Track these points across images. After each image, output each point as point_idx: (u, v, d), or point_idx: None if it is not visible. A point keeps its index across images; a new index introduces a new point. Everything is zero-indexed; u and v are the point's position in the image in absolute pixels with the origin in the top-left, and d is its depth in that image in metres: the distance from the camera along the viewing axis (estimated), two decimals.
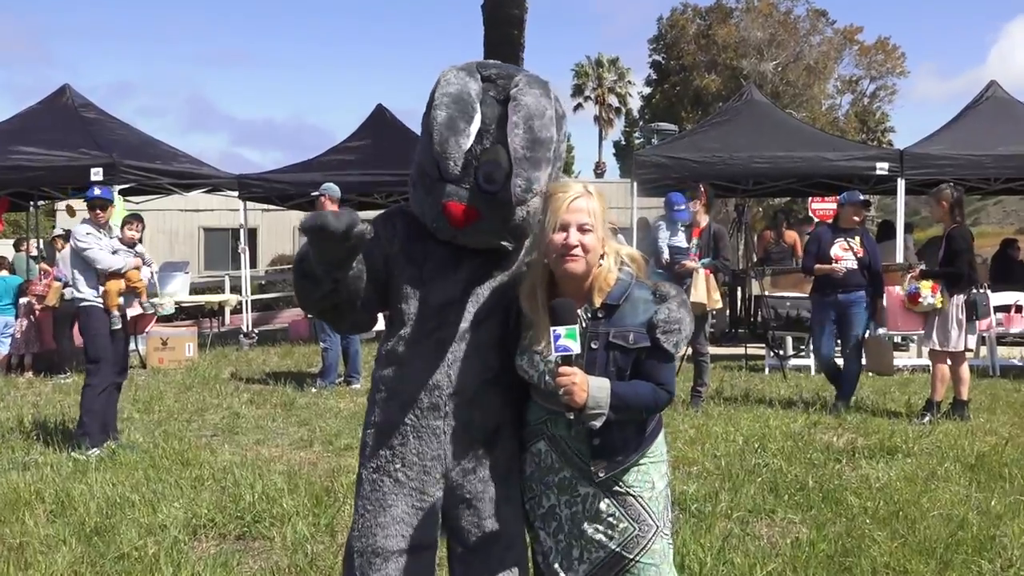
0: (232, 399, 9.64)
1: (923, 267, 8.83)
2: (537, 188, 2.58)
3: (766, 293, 12.32)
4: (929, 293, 8.17)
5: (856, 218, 8.85)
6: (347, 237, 2.37)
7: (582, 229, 2.63)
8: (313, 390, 10.08)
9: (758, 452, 6.87)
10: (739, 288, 15.35)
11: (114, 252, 7.44)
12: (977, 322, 8.40)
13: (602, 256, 2.69)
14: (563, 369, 2.50)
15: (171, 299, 8.02)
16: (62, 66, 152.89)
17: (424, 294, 2.76)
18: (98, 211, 7.44)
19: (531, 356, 2.69)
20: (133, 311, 8.01)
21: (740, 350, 12.55)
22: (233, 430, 8.10)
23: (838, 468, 6.45)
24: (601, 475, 2.68)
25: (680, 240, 8.87)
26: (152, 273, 7.55)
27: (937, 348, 8.31)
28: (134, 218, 7.91)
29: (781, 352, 11.86)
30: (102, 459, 6.81)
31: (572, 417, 2.57)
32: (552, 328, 2.52)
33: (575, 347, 2.50)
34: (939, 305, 8.20)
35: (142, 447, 7.26)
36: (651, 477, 2.77)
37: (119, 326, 7.44)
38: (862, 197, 9.04)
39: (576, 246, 2.62)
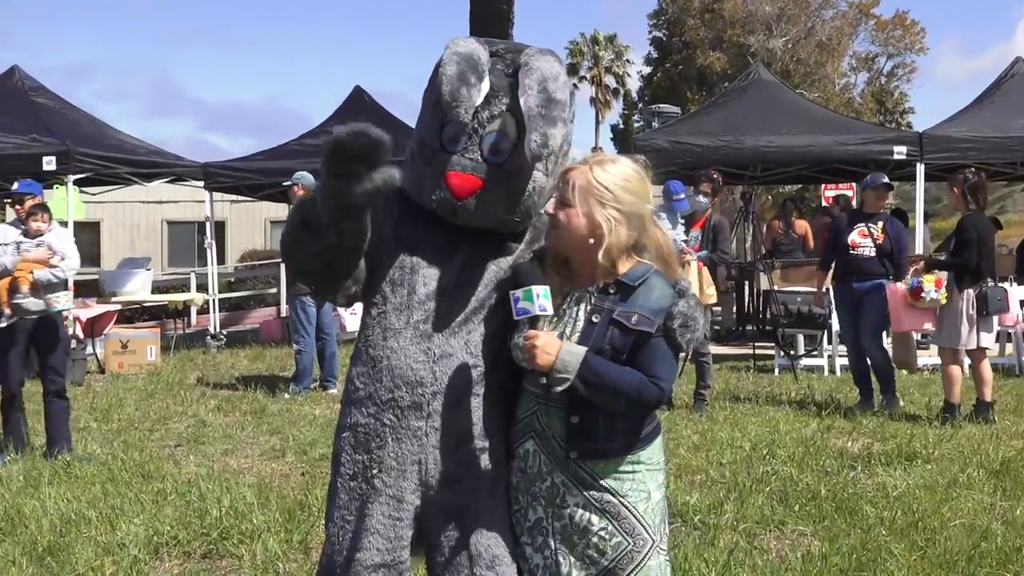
0: (198, 406, 9.61)
1: (924, 258, 8.84)
2: (553, 144, 2.61)
3: (775, 288, 12.33)
4: (932, 288, 8.13)
5: (880, 202, 8.93)
6: (373, 165, 2.44)
7: (563, 203, 2.68)
8: (286, 396, 10.06)
9: (766, 459, 6.88)
10: (746, 283, 15.37)
11: (17, 246, 7.42)
12: (994, 318, 8.38)
13: (605, 235, 2.66)
14: (528, 332, 2.57)
15: (67, 295, 7.92)
16: (12, 46, 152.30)
17: (413, 282, 2.76)
18: (18, 206, 7.50)
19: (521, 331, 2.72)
20: (89, 312, 7.97)
21: (748, 349, 12.57)
22: (199, 440, 8.07)
23: (853, 476, 6.46)
24: (573, 455, 2.68)
25: (678, 232, 8.90)
26: (59, 266, 7.48)
27: (945, 346, 8.35)
28: (40, 208, 7.81)
29: (792, 351, 11.87)
30: (56, 472, 6.78)
31: (543, 382, 2.60)
32: (511, 292, 2.60)
33: (534, 309, 2.57)
34: (943, 301, 8.18)
35: (99, 459, 7.23)
36: (647, 486, 2.76)
37: (3, 324, 7.38)
38: (885, 180, 9.10)
39: (552, 217, 2.70)
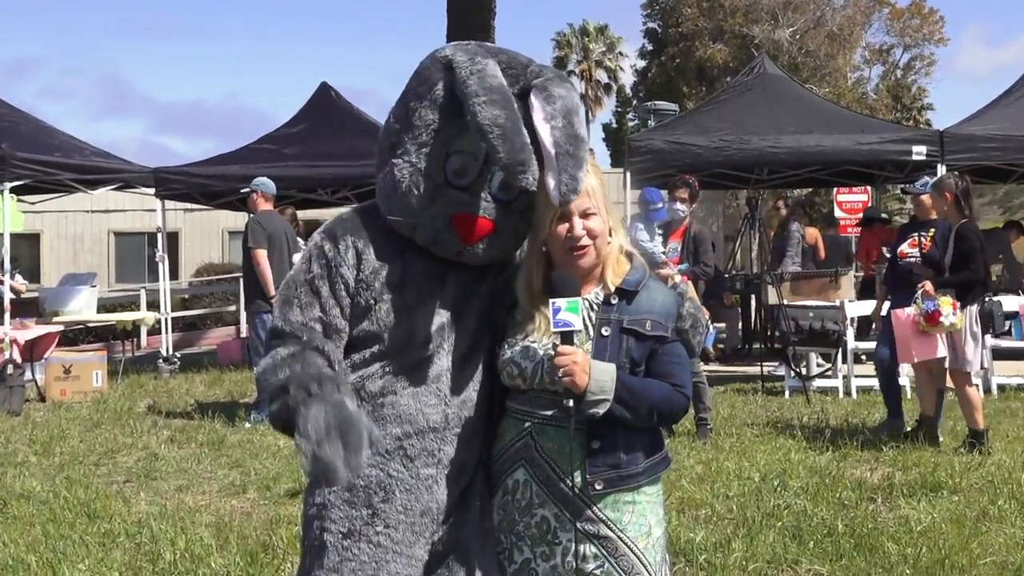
0: (149, 437, 9.56)
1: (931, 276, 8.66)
2: (580, 188, 2.60)
3: (784, 302, 12.37)
4: (950, 311, 7.99)
5: (932, 209, 8.91)
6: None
7: (585, 214, 2.70)
8: (247, 425, 10.02)
9: (777, 491, 6.88)
10: (753, 296, 15.41)
11: None
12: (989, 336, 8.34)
13: (611, 233, 2.76)
14: (562, 348, 2.57)
15: None
16: None
17: (412, 320, 2.72)
18: None
19: (527, 346, 2.71)
20: (28, 334, 7.94)
21: (755, 369, 12.59)
22: (150, 475, 8.02)
23: (872, 509, 6.47)
24: (598, 487, 2.68)
25: (656, 244, 8.91)
26: None
27: (955, 369, 8.27)
28: None
29: (803, 371, 11.90)
30: None
31: (571, 404, 2.58)
32: (552, 300, 2.59)
33: (576, 321, 2.58)
34: (960, 325, 8.07)
35: (39, 497, 7.18)
36: (647, 520, 2.76)
37: None
38: (920, 184, 9.14)
39: (582, 235, 2.70)
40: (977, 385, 8.51)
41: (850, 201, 20.27)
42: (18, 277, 16.54)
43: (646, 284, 2.78)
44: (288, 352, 2.62)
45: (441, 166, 2.66)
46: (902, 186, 9.25)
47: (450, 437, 2.73)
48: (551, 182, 2.57)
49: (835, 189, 20.53)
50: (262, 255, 10.28)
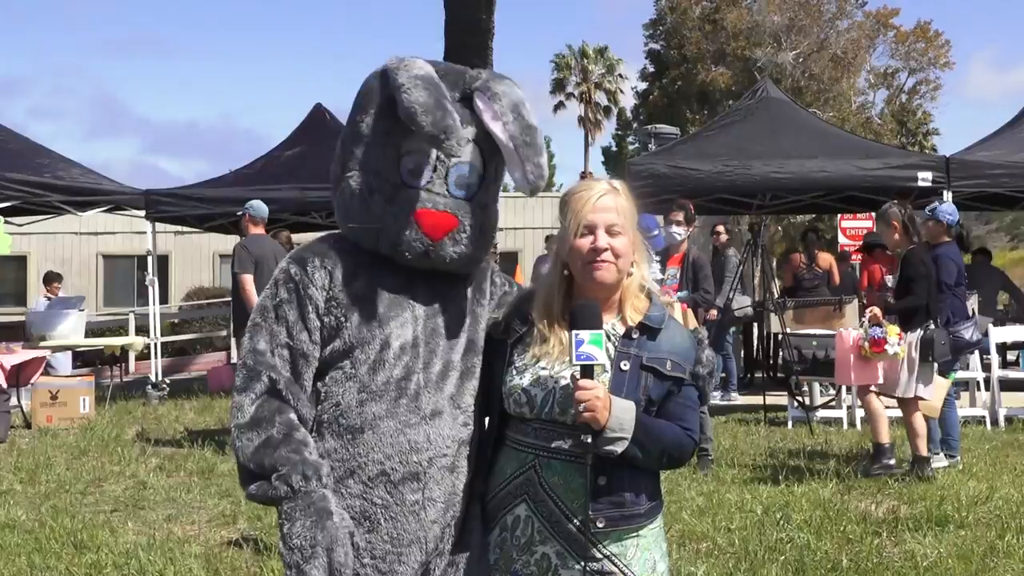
0: (137, 465, 9.54)
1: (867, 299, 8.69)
2: (545, 174, 2.73)
3: (788, 330, 12.38)
4: (896, 340, 8.04)
5: (936, 234, 8.99)
6: None
7: (611, 231, 2.70)
8: None
9: (780, 524, 6.87)
10: (755, 324, 15.41)
11: None
12: (935, 364, 8.33)
13: (633, 264, 2.76)
14: (584, 381, 2.55)
15: None
16: None
17: (384, 335, 2.73)
18: None
19: (539, 374, 2.70)
20: (14, 358, 7.94)
21: (757, 399, 12.58)
22: (138, 504, 8.01)
23: (877, 543, 6.46)
24: (600, 525, 2.66)
25: (655, 271, 8.89)
26: None
27: (887, 393, 8.36)
28: None
29: (807, 401, 11.90)
30: None
31: (588, 440, 2.56)
32: (574, 332, 2.56)
33: (599, 355, 2.56)
34: (902, 355, 8.14)
35: (25, 526, 7.17)
36: (651, 555, 2.75)
37: None
38: (928, 210, 9.20)
39: (605, 250, 2.68)
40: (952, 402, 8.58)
41: (854, 228, 20.33)
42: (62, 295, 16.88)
43: (667, 323, 2.77)
44: (263, 419, 2.64)
45: (396, 168, 2.73)
46: (926, 211, 9.27)
47: (435, 460, 2.71)
48: (517, 175, 2.72)
49: (839, 215, 20.59)
50: (248, 280, 10.29)
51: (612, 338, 2.72)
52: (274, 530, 6.83)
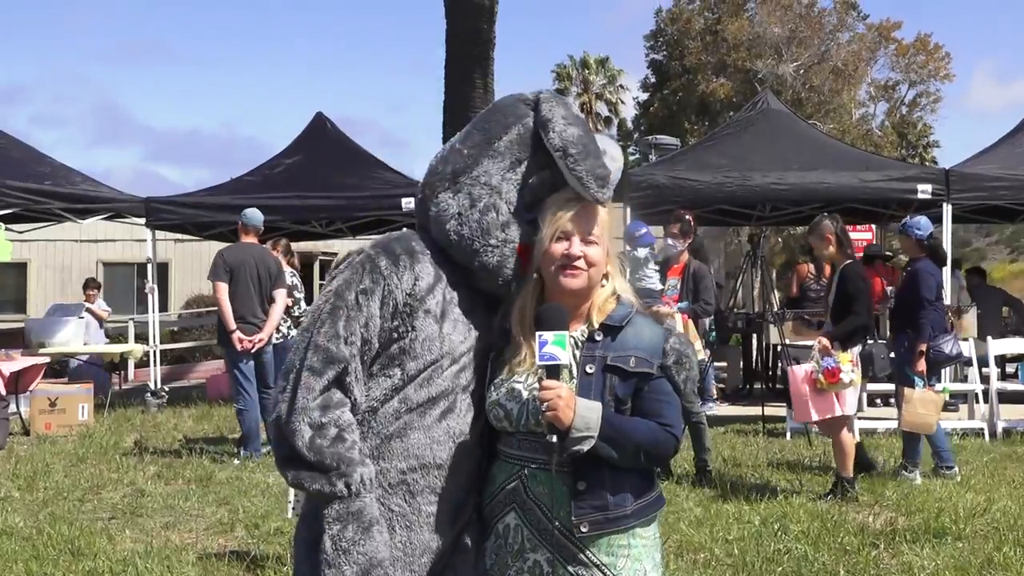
0: (135, 473, 9.54)
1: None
2: (604, 177, 2.75)
3: (787, 342, 12.37)
4: (850, 368, 7.82)
5: (915, 248, 9.02)
6: None
7: (586, 240, 2.72)
8: (235, 461, 10.01)
9: (778, 535, 6.87)
10: (754, 335, 15.41)
11: None
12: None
13: (605, 276, 2.79)
14: (547, 382, 2.57)
15: None
16: None
17: (440, 354, 2.74)
18: None
19: (512, 387, 2.71)
20: (13, 365, 7.94)
21: (756, 410, 12.57)
22: (136, 511, 8.02)
23: (875, 555, 6.47)
24: (584, 530, 2.66)
25: (654, 281, 8.87)
26: None
27: (832, 414, 8.02)
28: None
29: None
30: None
31: (555, 440, 2.57)
32: (538, 333, 2.59)
33: (563, 356, 2.58)
34: (858, 382, 7.98)
35: (22, 533, 7.17)
36: (643, 565, 2.76)
37: None
38: (903, 224, 9.20)
39: (579, 257, 2.71)
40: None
41: (854, 239, 20.30)
42: (100, 302, 16.87)
43: (632, 320, 2.77)
44: (329, 408, 2.62)
45: (520, 195, 2.78)
46: (898, 226, 9.26)
47: (453, 475, 2.74)
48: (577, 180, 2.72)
49: None
50: (220, 288, 10.27)
51: (580, 344, 2.75)
52: (271, 539, 6.86)
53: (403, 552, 2.70)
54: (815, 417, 8.04)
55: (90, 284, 18.14)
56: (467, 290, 2.81)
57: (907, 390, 8.70)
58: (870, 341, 8.27)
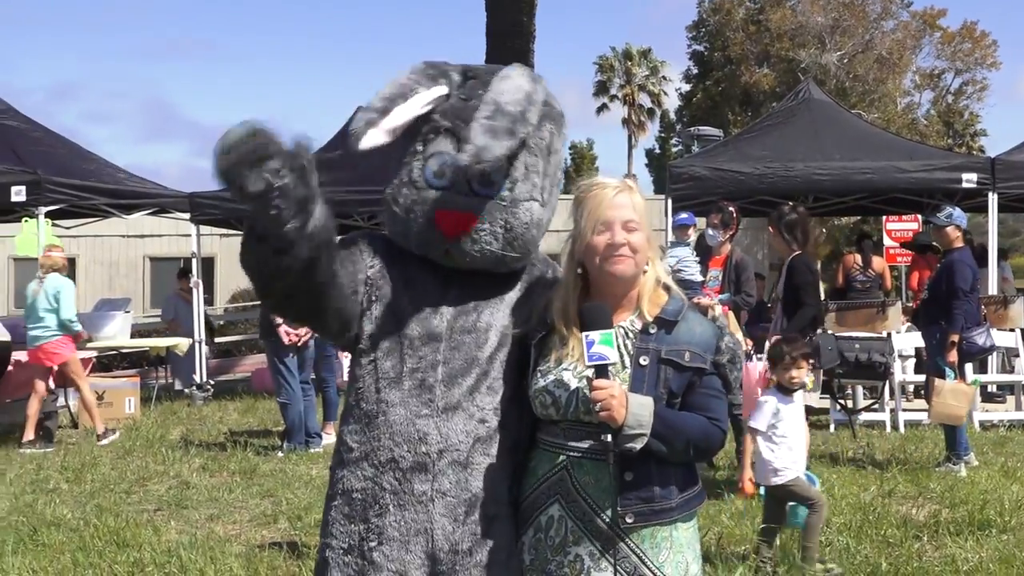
0: (181, 465, 9.64)
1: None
2: (489, 156, 2.64)
3: (830, 332, 12.27)
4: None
5: (952, 239, 8.93)
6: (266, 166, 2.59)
7: (627, 227, 2.71)
8: (279, 454, 10.08)
9: (821, 528, 6.82)
10: None
11: None
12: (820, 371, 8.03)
13: (648, 261, 2.78)
14: (598, 381, 2.56)
15: None
16: None
17: (404, 325, 2.80)
18: None
19: (560, 377, 2.71)
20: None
21: None
22: (181, 503, 8.10)
23: (918, 547, 6.42)
24: (629, 521, 2.66)
25: (695, 272, 8.76)
26: None
27: None
28: None
29: (849, 404, 11.81)
30: (21, 540, 6.80)
31: (608, 439, 2.58)
32: (584, 334, 2.58)
33: (611, 354, 2.58)
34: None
35: (70, 524, 7.26)
36: (684, 557, 2.76)
37: None
38: (944, 216, 9.08)
39: (623, 245, 2.70)
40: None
41: (900, 229, 20.12)
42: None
43: (685, 315, 2.77)
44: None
45: (421, 173, 2.81)
46: (927, 217, 9.15)
47: (445, 453, 2.74)
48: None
49: (884, 217, 20.41)
50: None
51: (631, 335, 2.74)
52: (314, 531, 6.90)
53: (398, 531, 2.73)
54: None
55: (184, 273, 17.79)
56: (437, 267, 2.86)
57: (938, 381, 8.62)
58: (819, 331, 8.14)
